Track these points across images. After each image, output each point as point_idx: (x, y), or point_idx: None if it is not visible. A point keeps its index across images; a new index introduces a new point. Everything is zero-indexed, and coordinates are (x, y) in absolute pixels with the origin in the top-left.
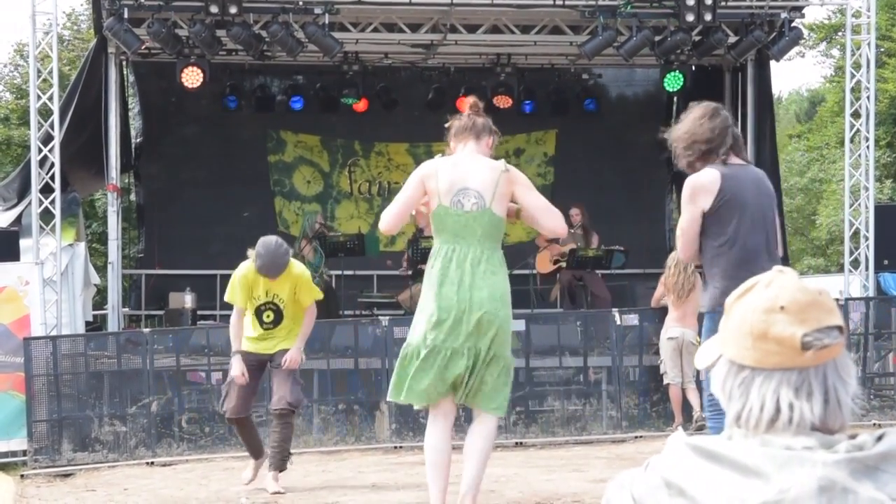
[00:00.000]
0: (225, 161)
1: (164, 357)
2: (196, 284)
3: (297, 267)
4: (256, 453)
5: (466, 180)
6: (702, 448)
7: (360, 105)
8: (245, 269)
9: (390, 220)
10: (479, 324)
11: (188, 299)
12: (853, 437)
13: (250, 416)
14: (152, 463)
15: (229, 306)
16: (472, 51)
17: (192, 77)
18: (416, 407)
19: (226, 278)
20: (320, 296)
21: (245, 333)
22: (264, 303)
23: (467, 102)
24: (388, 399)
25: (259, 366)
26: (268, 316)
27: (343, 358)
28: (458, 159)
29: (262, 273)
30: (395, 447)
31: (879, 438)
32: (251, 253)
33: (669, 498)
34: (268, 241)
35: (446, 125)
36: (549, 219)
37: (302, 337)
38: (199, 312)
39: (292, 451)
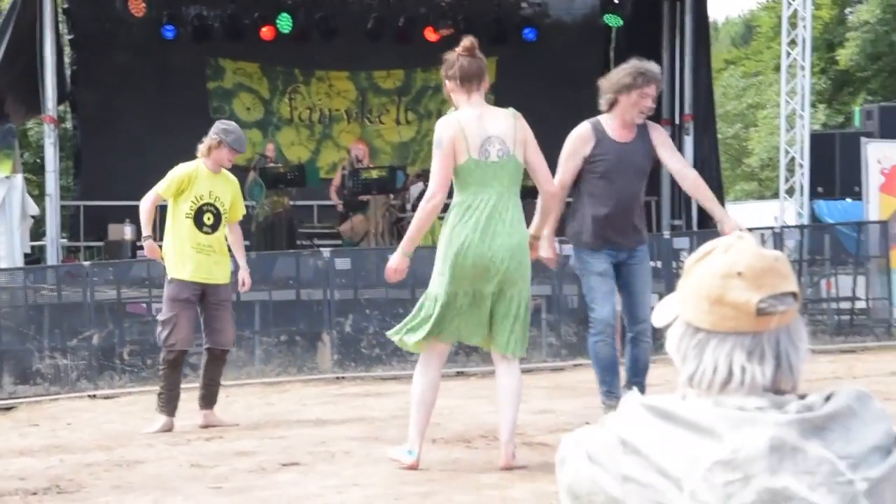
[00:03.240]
0: (162, 89)
1: (104, 289)
2: (135, 215)
3: (232, 175)
4: (172, 407)
5: (490, 129)
6: (656, 408)
7: (299, 34)
8: (194, 167)
9: (441, 194)
10: (507, 270)
11: (128, 231)
12: (803, 397)
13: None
14: (94, 395)
15: None
16: None
17: (137, 6)
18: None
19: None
20: (244, 212)
21: (180, 252)
22: (207, 203)
23: (463, 44)
24: (393, 337)
25: (198, 298)
26: (208, 218)
27: (285, 289)
28: (477, 112)
29: (237, 147)
30: (337, 378)
31: (828, 399)
32: (202, 148)
33: (624, 456)
34: (226, 121)
35: (445, 60)
36: (549, 180)
37: (242, 254)
38: (138, 244)
39: (234, 382)
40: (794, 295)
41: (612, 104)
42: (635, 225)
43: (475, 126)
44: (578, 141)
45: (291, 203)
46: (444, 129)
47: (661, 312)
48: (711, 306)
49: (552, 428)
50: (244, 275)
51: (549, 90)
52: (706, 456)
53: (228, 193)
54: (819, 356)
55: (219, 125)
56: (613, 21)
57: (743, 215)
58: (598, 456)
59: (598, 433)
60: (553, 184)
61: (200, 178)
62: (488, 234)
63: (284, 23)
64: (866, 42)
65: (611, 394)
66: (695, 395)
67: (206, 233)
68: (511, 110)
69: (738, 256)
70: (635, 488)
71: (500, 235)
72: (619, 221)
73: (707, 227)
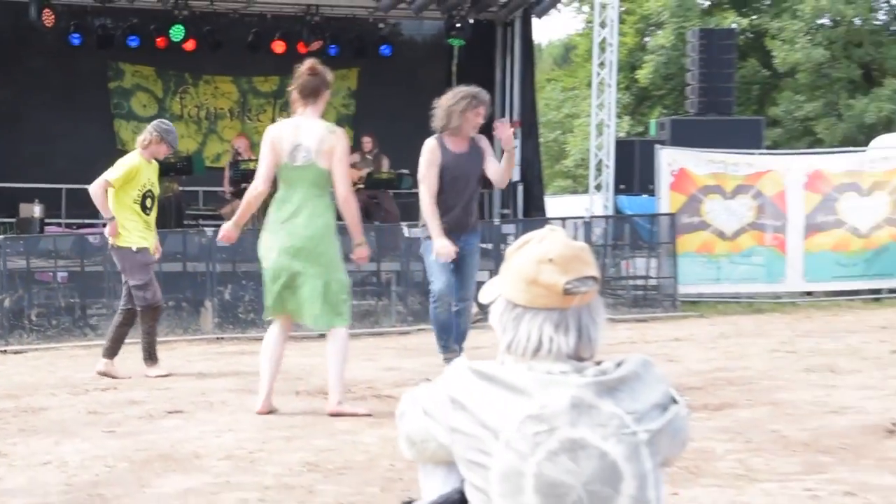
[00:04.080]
0: (69, 87)
1: (16, 259)
2: (44, 196)
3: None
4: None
5: (301, 138)
6: (480, 371)
7: (189, 45)
8: (137, 160)
9: (262, 185)
10: (304, 257)
11: (37, 209)
12: (599, 363)
13: None
14: (5, 351)
15: (74, 214)
16: (286, 1)
17: (48, 17)
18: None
19: (71, 192)
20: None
21: (136, 228)
22: (148, 190)
23: (305, 64)
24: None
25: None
26: (149, 202)
27: (173, 262)
28: (299, 122)
29: (174, 145)
30: (218, 338)
31: (619, 365)
32: (141, 141)
33: (453, 411)
34: (165, 122)
35: (295, 78)
36: (342, 187)
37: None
38: (46, 221)
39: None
40: (594, 278)
41: (455, 125)
42: (472, 220)
43: (290, 134)
44: (432, 154)
45: (180, 188)
46: (265, 135)
47: (487, 292)
48: (527, 286)
49: (398, 382)
50: (157, 243)
51: (401, 97)
52: (519, 411)
53: (156, 179)
54: (619, 324)
55: (161, 125)
56: (456, 42)
57: (560, 206)
58: (431, 410)
59: (432, 392)
60: (342, 191)
61: (142, 169)
62: (290, 225)
63: (177, 33)
64: (661, 64)
65: (447, 348)
66: (512, 361)
67: (148, 214)
68: (330, 125)
69: (550, 246)
70: (461, 437)
71: (299, 227)
72: (460, 218)
73: (530, 216)
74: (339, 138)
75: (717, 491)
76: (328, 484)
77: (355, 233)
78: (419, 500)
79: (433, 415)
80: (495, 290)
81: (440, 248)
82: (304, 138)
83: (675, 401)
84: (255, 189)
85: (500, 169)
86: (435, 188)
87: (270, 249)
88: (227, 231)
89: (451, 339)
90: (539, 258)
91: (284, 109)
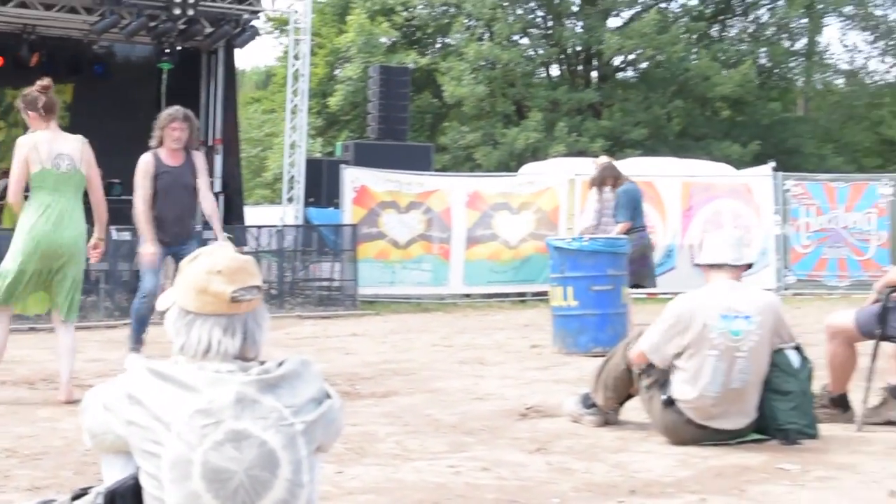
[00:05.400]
0: None
1: None
2: None
3: None
4: None
5: (61, 148)
6: (155, 370)
7: None
8: None
9: (14, 195)
10: (61, 255)
11: None
12: (263, 363)
13: None
14: None
15: None
16: (4, 20)
17: None
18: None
19: None
20: None
21: None
22: None
23: (40, 84)
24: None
25: None
26: None
27: None
28: (51, 134)
29: None
30: None
31: (280, 364)
32: None
33: (130, 406)
34: None
35: (25, 94)
36: (99, 190)
37: None
38: None
39: None
40: (258, 288)
41: (161, 140)
42: (186, 227)
43: (48, 144)
44: (146, 166)
45: None
46: (20, 147)
47: (163, 300)
48: (198, 295)
49: (101, 373)
50: None
51: (114, 113)
52: (189, 406)
53: None
54: (305, 321)
55: None
56: (165, 66)
57: (259, 215)
58: (110, 405)
59: (111, 388)
60: (99, 193)
61: None
62: (59, 226)
63: None
64: (349, 93)
65: (139, 340)
66: (184, 361)
67: None
68: (80, 137)
69: (219, 259)
70: (136, 430)
71: (68, 228)
72: (171, 225)
73: (230, 223)
74: (89, 147)
75: (376, 469)
76: (24, 469)
77: (102, 230)
78: (96, 486)
79: (112, 409)
80: (170, 299)
81: (143, 252)
82: (65, 148)
83: (329, 395)
84: (16, 195)
85: (206, 200)
86: (148, 196)
87: (29, 251)
88: None
89: (145, 333)
90: (208, 270)
91: (2, 118)
